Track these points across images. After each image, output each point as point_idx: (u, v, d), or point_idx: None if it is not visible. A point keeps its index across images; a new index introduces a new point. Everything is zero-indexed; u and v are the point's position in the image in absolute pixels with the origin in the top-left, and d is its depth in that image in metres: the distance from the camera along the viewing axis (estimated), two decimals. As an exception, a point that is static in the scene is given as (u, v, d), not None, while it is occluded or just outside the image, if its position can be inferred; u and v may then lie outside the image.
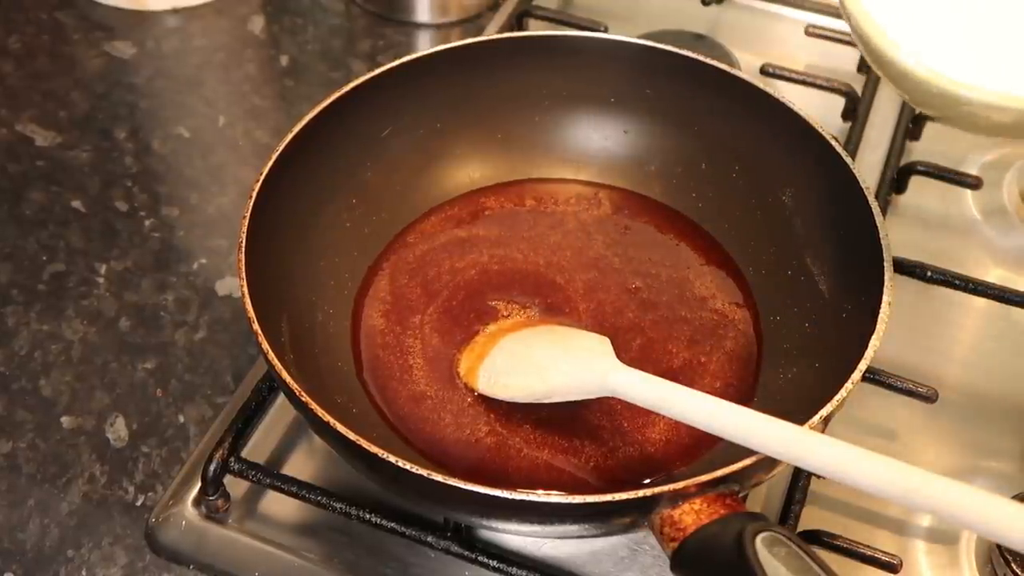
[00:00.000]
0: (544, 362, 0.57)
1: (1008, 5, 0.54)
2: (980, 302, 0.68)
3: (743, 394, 0.60)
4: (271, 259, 0.57)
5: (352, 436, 0.47)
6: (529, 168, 0.71)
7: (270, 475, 0.57)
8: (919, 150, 0.79)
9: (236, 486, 0.59)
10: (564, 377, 0.55)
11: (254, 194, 0.57)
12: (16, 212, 0.76)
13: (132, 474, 0.62)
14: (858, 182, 0.58)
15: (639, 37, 0.68)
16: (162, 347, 0.68)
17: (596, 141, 0.71)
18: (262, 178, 0.57)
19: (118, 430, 0.64)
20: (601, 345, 0.56)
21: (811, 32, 0.85)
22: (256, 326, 0.51)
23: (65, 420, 0.64)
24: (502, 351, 0.59)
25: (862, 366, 0.50)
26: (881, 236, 0.55)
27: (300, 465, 0.61)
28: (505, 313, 0.63)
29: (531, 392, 0.56)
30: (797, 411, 0.50)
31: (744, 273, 0.65)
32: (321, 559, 0.57)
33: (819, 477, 0.56)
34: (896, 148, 0.76)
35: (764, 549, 0.41)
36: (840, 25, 0.86)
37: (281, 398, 0.62)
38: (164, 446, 0.63)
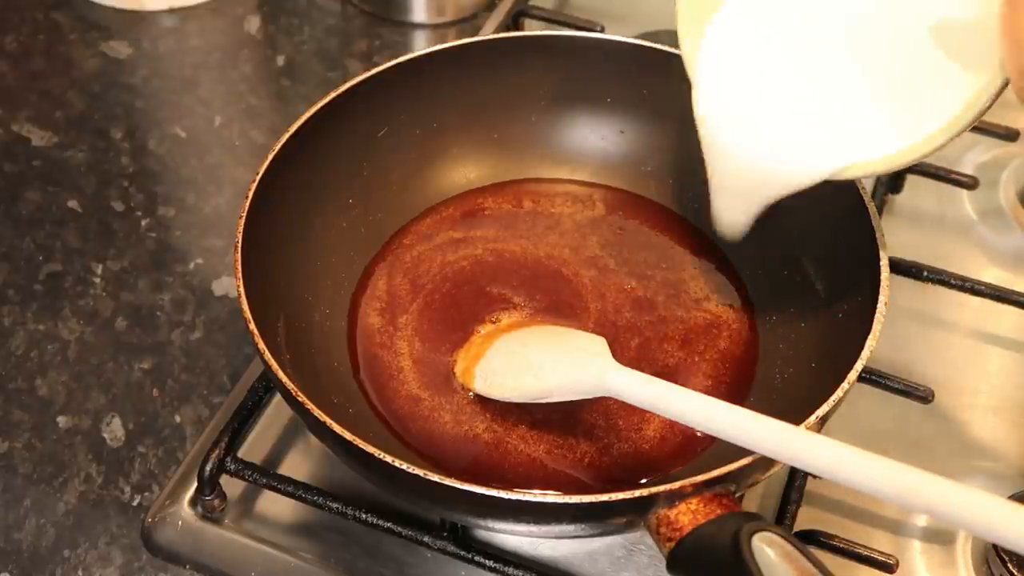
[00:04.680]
0: (539, 362, 0.57)
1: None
2: (976, 302, 0.68)
3: (739, 394, 0.60)
4: (267, 259, 0.57)
5: (348, 436, 0.47)
6: (525, 168, 0.71)
7: (266, 475, 0.57)
8: (915, 150, 0.79)
9: (232, 486, 0.59)
10: (559, 377, 0.55)
11: (250, 194, 0.57)
12: (12, 212, 0.76)
13: (128, 474, 0.62)
14: (854, 182, 0.58)
15: (635, 37, 0.68)
16: (158, 347, 0.68)
17: (592, 141, 0.71)
18: (258, 178, 0.57)
19: (114, 430, 0.64)
20: (596, 345, 0.56)
21: (807, 32, 0.85)
22: (252, 326, 0.51)
23: (61, 420, 0.64)
24: (498, 351, 0.59)
25: (858, 366, 0.50)
26: (877, 236, 0.55)
27: (296, 465, 0.61)
28: (510, 309, 0.63)
29: (526, 392, 0.56)
30: (793, 411, 0.50)
31: (740, 273, 0.65)
32: (317, 559, 0.57)
33: (815, 477, 0.56)
34: (892, 148, 0.76)
35: (760, 549, 0.41)
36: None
37: (277, 398, 0.62)
38: (160, 446, 0.63)
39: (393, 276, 0.65)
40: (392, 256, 0.66)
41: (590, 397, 0.54)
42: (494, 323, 0.62)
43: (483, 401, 0.58)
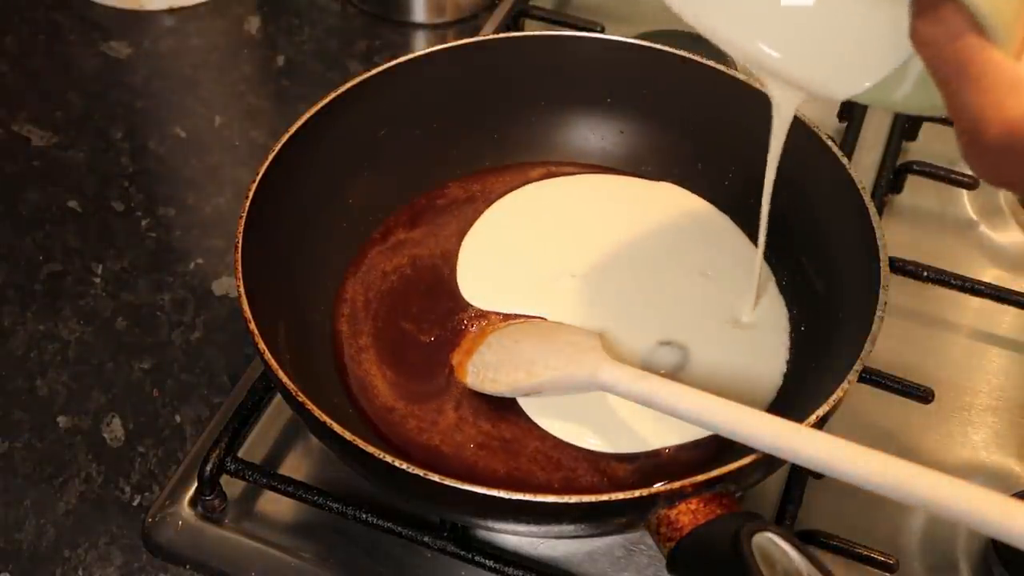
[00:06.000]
0: (531, 357, 0.56)
1: None
2: (976, 302, 0.68)
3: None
4: (268, 259, 0.57)
5: (348, 436, 0.47)
6: (529, 169, 0.71)
7: (266, 475, 0.57)
8: (916, 150, 0.79)
9: (232, 486, 0.59)
10: (551, 372, 0.55)
11: (250, 194, 0.57)
12: (13, 212, 0.76)
13: (128, 474, 0.62)
14: (854, 182, 0.58)
15: (636, 37, 0.68)
16: (159, 347, 0.68)
17: (593, 141, 0.71)
18: (258, 178, 0.57)
19: (114, 430, 0.64)
20: (589, 340, 0.56)
21: (807, 32, 0.84)
22: (252, 326, 0.51)
23: (61, 420, 0.64)
24: (490, 346, 0.59)
25: (858, 366, 0.50)
26: (877, 236, 0.55)
27: (296, 465, 0.60)
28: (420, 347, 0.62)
29: (518, 387, 0.56)
30: (793, 411, 0.50)
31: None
32: (317, 559, 0.57)
33: (816, 476, 0.56)
34: (892, 148, 0.76)
35: (760, 549, 0.41)
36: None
37: (277, 398, 0.62)
38: (160, 446, 0.63)
39: (355, 283, 0.64)
40: (357, 259, 0.66)
41: (582, 392, 0.54)
42: (488, 319, 0.62)
43: (476, 401, 0.58)
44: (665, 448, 0.56)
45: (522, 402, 0.58)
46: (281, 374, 0.50)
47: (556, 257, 0.65)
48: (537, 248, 0.66)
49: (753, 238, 0.65)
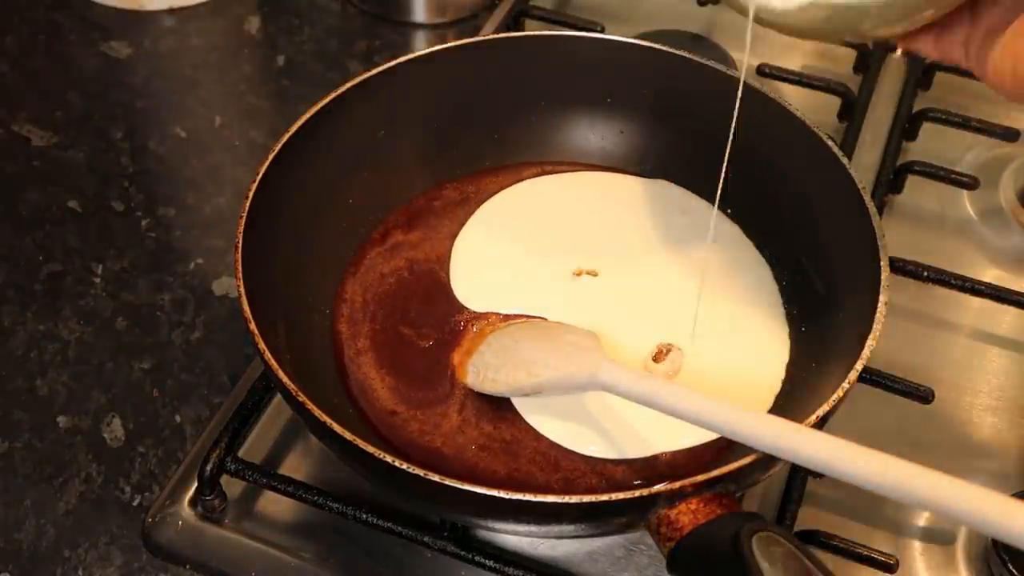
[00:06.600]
0: (531, 357, 0.56)
1: None
2: (976, 302, 0.68)
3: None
4: (268, 259, 0.57)
5: (348, 436, 0.47)
6: (524, 169, 0.71)
7: (266, 475, 0.57)
8: (916, 150, 0.79)
9: (232, 486, 0.59)
10: (551, 372, 0.55)
11: (250, 194, 0.57)
12: (13, 212, 0.76)
13: (128, 474, 0.62)
14: (854, 182, 0.58)
15: (636, 37, 0.68)
16: (159, 347, 0.68)
17: (593, 141, 0.71)
18: (258, 178, 0.57)
19: (114, 430, 0.64)
20: (589, 340, 0.56)
21: (807, 32, 0.84)
22: (253, 326, 0.51)
23: (61, 420, 0.64)
24: (490, 346, 0.59)
25: (859, 366, 0.50)
26: (878, 236, 0.55)
27: (296, 465, 0.60)
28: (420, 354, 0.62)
29: (518, 387, 0.56)
30: (793, 411, 0.50)
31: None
32: (317, 559, 0.57)
33: (815, 476, 0.56)
34: (892, 148, 0.76)
35: (760, 549, 0.41)
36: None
37: (277, 398, 0.62)
38: (160, 446, 0.63)
39: (354, 284, 0.64)
40: (356, 260, 0.65)
41: (582, 392, 0.54)
42: (488, 319, 0.62)
43: (476, 402, 0.58)
44: (664, 452, 0.56)
45: (519, 407, 0.58)
46: (281, 374, 0.50)
47: (551, 257, 0.65)
48: (531, 247, 0.66)
49: (754, 238, 0.65)
